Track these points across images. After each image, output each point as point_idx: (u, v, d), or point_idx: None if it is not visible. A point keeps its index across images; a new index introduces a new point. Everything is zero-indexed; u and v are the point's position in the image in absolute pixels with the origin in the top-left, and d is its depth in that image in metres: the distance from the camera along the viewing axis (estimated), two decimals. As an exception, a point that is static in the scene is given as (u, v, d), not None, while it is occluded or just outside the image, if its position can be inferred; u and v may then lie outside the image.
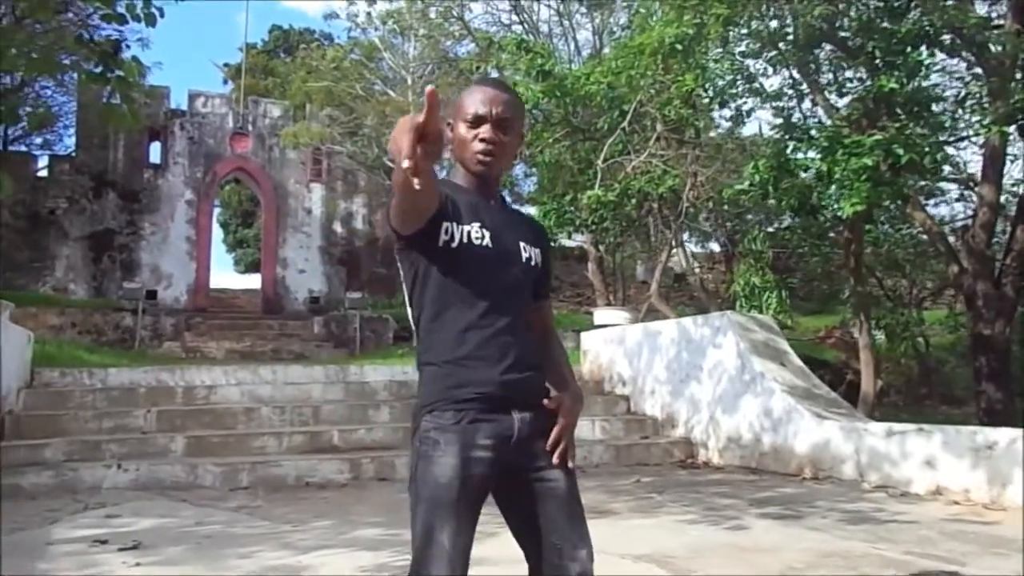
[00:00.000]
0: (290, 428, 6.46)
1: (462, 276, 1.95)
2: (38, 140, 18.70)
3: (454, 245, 1.91)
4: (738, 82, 7.29)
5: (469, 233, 1.92)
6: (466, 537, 1.82)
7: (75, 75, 16.62)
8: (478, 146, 2.03)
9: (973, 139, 8.02)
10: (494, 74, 14.83)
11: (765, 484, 5.43)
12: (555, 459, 1.88)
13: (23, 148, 17.80)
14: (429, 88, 1.73)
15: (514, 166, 12.00)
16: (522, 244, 2.02)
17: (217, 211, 26.75)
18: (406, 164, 1.63)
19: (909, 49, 5.64)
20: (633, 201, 8.62)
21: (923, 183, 9.19)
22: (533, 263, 2.03)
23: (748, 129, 10.87)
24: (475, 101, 2.08)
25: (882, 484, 5.11)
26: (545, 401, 1.95)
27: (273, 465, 5.61)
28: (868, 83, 6.10)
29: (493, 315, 1.93)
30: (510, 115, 2.07)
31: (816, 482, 5.44)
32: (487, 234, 1.95)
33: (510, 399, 1.90)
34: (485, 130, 2.05)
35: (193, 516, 4.51)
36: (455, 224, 1.92)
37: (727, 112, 8.73)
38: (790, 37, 6.90)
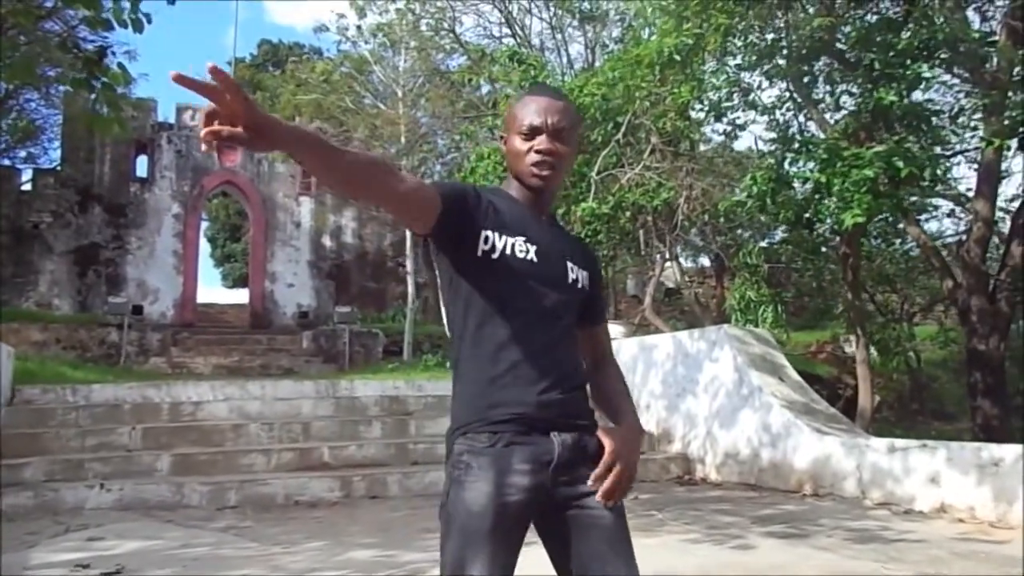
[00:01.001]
0: (279, 445, 6.31)
1: (502, 290, 1.83)
2: (22, 153, 18.48)
3: (495, 256, 1.80)
4: (734, 95, 7.25)
5: (513, 245, 1.81)
6: (502, 571, 1.67)
7: (61, 87, 16.56)
8: (534, 158, 1.95)
9: (968, 154, 8.02)
10: (486, 88, 14.87)
11: (766, 501, 5.33)
12: (598, 495, 1.72)
13: (6, 162, 17.58)
14: (210, 65, 1.51)
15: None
16: (569, 264, 1.90)
17: (205, 225, 26.60)
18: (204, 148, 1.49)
19: (908, 62, 5.60)
20: (627, 214, 8.55)
21: (915, 198, 9.18)
22: (580, 285, 1.91)
23: (741, 143, 10.86)
24: (529, 111, 1.99)
25: (885, 501, 5.02)
26: (599, 433, 1.80)
27: (261, 483, 5.46)
28: (866, 96, 6.07)
29: (533, 333, 1.80)
30: (567, 124, 1.97)
31: (817, 499, 5.34)
32: (532, 249, 1.83)
33: (549, 420, 1.76)
34: (541, 141, 1.95)
35: (179, 538, 4.36)
36: (497, 234, 1.80)
37: (720, 126, 8.73)
38: (786, 50, 6.88)
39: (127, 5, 3.94)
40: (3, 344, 7.00)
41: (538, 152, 1.95)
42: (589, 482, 1.73)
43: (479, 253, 1.78)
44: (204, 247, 26.91)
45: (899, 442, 5.26)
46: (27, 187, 16.92)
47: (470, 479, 1.72)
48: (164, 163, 17.10)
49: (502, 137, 1.99)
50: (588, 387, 1.97)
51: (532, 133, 1.95)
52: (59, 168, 17.30)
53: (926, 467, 4.90)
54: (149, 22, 4.43)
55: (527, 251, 1.83)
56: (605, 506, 1.74)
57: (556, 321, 1.84)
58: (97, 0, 3.85)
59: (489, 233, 1.79)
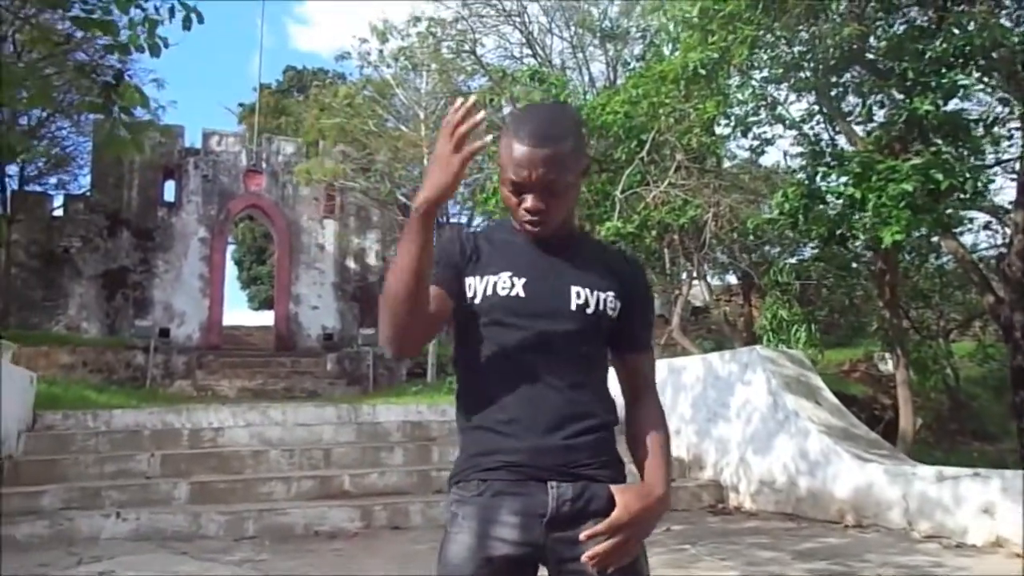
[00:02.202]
0: (299, 472, 6.18)
1: (488, 331, 1.71)
2: (53, 180, 18.78)
3: (477, 301, 1.70)
4: (760, 109, 7.07)
5: (495, 284, 1.70)
6: None
7: (91, 115, 16.83)
8: (524, 215, 1.81)
9: (1006, 164, 7.75)
10: (507, 108, 14.83)
11: (805, 533, 5.08)
12: (585, 555, 1.53)
13: (38, 188, 17.87)
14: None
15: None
16: (576, 289, 1.73)
17: (231, 248, 26.83)
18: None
19: (943, 70, 5.39)
20: (653, 233, 8.37)
21: (953, 211, 8.93)
22: (593, 310, 1.73)
23: (768, 158, 10.67)
24: (513, 162, 1.81)
25: (934, 533, 4.75)
26: (613, 489, 1.62)
27: (280, 513, 5.31)
28: (899, 106, 5.85)
29: (527, 372, 1.65)
30: (555, 175, 1.79)
31: (860, 530, 5.08)
32: (519, 282, 1.70)
33: (546, 468, 1.60)
34: (529, 200, 1.80)
35: (194, 571, 4.23)
36: (478, 278, 1.71)
37: (747, 141, 8.55)
38: (814, 62, 6.70)
39: (144, 31, 3.89)
40: (27, 370, 6.98)
41: (527, 211, 1.81)
42: (581, 536, 1.55)
43: (466, 302, 1.69)
44: (230, 270, 27.22)
45: (948, 470, 4.98)
46: (58, 212, 17.18)
47: (455, 530, 1.58)
48: (191, 188, 17.24)
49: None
50: (625, 427, 1.84)
51: (518, 189, 1.80)
52: (89, 194, 17.53)
53: (978, 497, 4.63)
54: (166, 46, 4.38)
55: (511, 285, 1.70)
56: (602, 572, 1.55)
57: (556, 356, 1.68)
58: (113, 25, 3.80)
59: (470, 279, 1.71)
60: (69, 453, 6.15)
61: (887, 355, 11.38)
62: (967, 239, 12.16)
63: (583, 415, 1.66)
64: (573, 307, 1.71)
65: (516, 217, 1.80)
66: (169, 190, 17.40)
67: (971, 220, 11.75)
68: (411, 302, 1.61)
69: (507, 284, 1.71)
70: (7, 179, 15.96)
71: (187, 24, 4.54)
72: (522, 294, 1.69)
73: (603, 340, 1.76)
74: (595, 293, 1.74)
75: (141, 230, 16.67)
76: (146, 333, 14.00)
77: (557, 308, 1.71)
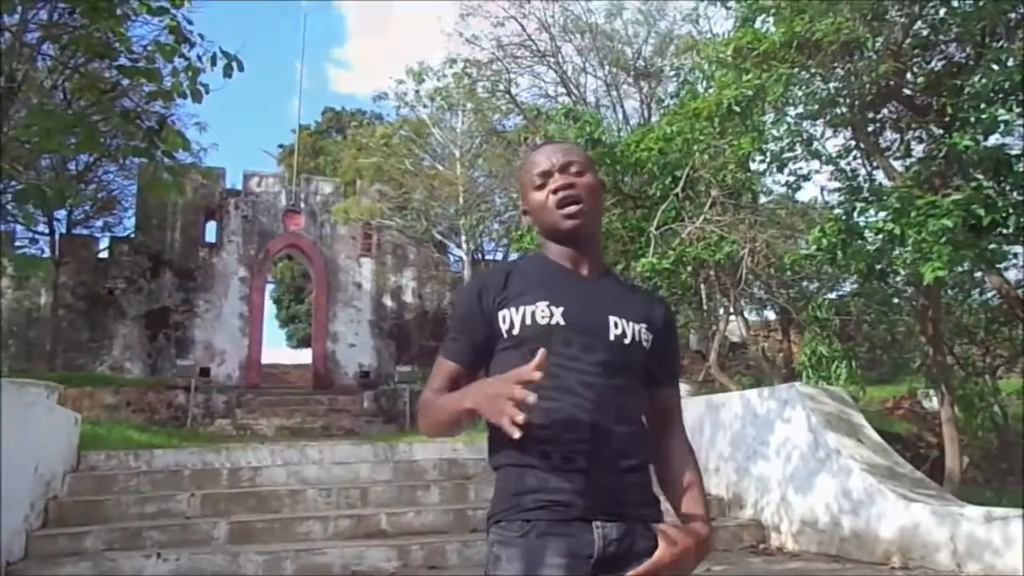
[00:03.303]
0: (336, 511, 6.19)
1: (528, 360, 1.61)
2: (99, 223, 19.31)
3: (515, 332, 1.70)
4: (796, 145, 7.06)
5: (533, 314, 1.70)
6: None
7: (136, 159, 17.40)
8: (555, 198, 1.87)
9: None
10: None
11: (850, 575, 4.96)
12: None
13: (85, 231, 18.39)
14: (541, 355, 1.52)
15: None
16: (614, 319, 1.74)
17: (270, 287, 27.24)
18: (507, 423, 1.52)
19: (983, 105, 5.34)
20: (688, 269, 8.34)
21: (995, 246, 8.78)
22: (630, 340, 1.73)
23: (804, 193, 10.60)
24: (533, 164, 1.95)
25: (984, 575, 4.61)
26: (658, 529, 1.63)
27: (318, 552, 5.32)
28: (938, 142, 5.80)
29: (566, 405, 1.62)
30: (575, 157, 1.93)
31: (907, 572, 4.93)
32: (557, 311, 1.70)
33: (590, 508, 1.58)
34: (555, 180, 1.89)
35: (233, 611, 4.26)
36: (514, 309, 1.72)
37: (783, 176, 8.53)
38: (849, 98, 6.68)
39: (186, 78, 4.05)
40: (72, 411, 7.12)
41: (557, 191, 1.87)
42: None
43: (504, 335, 1.71)
44: (269, 309, 27.62)
45: (997, 511, 4.83)
46: (103, 255, 17.65)
47: (499, 572, 1.56)
48: (231, 228, 17.61)
49: (524, 211, 1.92)
50: (655, 462, 1.83)
51: (544, 177, 1.90)
52: (133, 236, 17.98)
53: (1029, 538, 4.49)
54: (207, 92, 4.54)
55: (551, 315, 1.70)
56: None
57: (599, 388, 1.67)
58: (157, 73, 3.96)
59: (505, 312, 1.72)
60: (111, 493, 6.23)
61: (931, 392, 11.09)
62: (1012, 275, 11.92)
63: (626, 453, 1.66)
64: (612, 337, 1.72)
65: (549, 216, 1.85)
66: (210, 231, 17.79)
67: (1015, 255, 11.55)
68: (444, 433, 1.80)
69: (546, 313, 1.71)
70: (55, 223, 16.48)
71: (228, 72, 4.70)
72: (562, 322, 1.70)
73: (638, 373, 1.76)
74: (631, 324, 1.76)
75: (183, 270, 17.03)
76: (187, 372, 14.22)
77: (598, 336, 1.72)
